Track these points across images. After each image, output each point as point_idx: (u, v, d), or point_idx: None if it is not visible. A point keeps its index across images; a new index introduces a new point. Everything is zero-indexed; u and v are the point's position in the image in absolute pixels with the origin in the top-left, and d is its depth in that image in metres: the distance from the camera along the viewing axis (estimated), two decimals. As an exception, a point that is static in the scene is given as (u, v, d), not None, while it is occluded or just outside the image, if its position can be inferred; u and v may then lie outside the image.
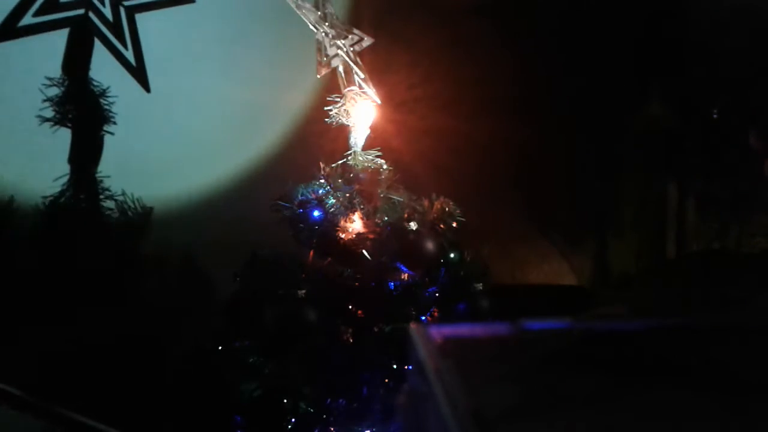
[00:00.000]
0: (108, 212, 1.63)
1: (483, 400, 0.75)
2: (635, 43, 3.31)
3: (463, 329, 0.96)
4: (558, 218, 3.51)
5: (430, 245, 1.82)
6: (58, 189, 1.61)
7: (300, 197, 1.86)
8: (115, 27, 1.72)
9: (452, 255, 1.94)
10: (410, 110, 3.00)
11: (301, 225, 1.86)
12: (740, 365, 0.84)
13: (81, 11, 1.63)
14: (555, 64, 3.24)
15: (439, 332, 0.88)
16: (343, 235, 1.86)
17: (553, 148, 3.27)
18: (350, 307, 1.85)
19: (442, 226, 1.91)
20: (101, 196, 1.63)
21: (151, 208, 1.66)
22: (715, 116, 3.05)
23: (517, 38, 3.18)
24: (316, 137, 2.41)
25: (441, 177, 3.11)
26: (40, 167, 1.66)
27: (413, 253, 1.81)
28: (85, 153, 1.61)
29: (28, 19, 1.63)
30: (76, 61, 1.61)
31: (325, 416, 1.73)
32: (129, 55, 1.78)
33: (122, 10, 1.74)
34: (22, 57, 1.67)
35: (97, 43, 1.69)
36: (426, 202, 1.94)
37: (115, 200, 1.64)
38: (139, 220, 1.58)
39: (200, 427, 1.84)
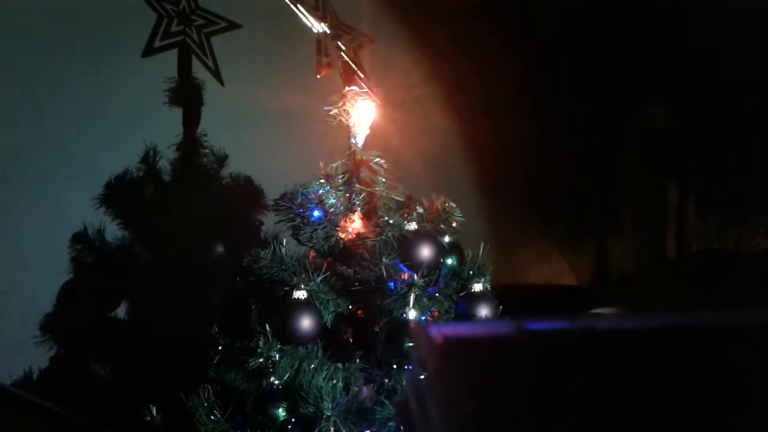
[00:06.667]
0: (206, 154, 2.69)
1: (483, 400, 0.75)
2: (635, 43, 3.31)
3: (463, 329, 0.96)
4: (558, 218, 3.51)
5: (429, 245, 1.82)
6: (177, 141, 2.65)
7: (300, 197, 1.86)
8: (200, 45, 2.73)
9: (452, 255, 1.94)
10: (410, 110, 3.00)
11: (301, 225, 1.86)
12: (740, 365, 0.84)
13: (181, 37, 2.68)
14: (555, 63, 3.24)
15: (439, 332, 0.88)
16: (342, 235, 1.86)
17: (554, 148, 3.27)
18: (350, 307, 1.85)
19: (442, 226, 1.91)
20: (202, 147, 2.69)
21: (227, 155, 2.68)
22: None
23: (516, 38, 3.18)
24: (316, 137, 2.42)
25: (441, 177, 3.11)
26: (162, 129, 2.65)
27: (413, 253, 1.81)
28: (192, 120, 2.66)
29: (156, 43, 2.65)
30: (183, 66, 2.67)
31: (324, 416, 1.73)
32: (209, 62, 2.74)
33: (203, 35, 2.72)
34: (153, 66, 2.67)
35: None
36: (426, 202, 1.93)
37: (208, 149, 2.68)
38: (221, 159, 2.68)
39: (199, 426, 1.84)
